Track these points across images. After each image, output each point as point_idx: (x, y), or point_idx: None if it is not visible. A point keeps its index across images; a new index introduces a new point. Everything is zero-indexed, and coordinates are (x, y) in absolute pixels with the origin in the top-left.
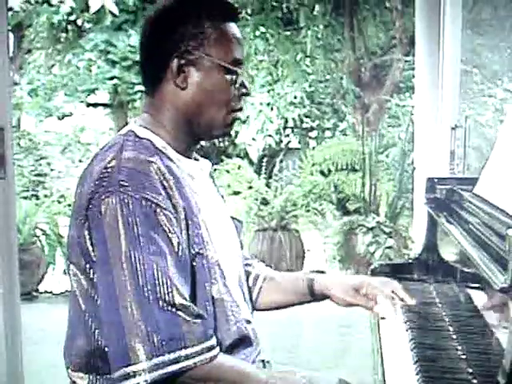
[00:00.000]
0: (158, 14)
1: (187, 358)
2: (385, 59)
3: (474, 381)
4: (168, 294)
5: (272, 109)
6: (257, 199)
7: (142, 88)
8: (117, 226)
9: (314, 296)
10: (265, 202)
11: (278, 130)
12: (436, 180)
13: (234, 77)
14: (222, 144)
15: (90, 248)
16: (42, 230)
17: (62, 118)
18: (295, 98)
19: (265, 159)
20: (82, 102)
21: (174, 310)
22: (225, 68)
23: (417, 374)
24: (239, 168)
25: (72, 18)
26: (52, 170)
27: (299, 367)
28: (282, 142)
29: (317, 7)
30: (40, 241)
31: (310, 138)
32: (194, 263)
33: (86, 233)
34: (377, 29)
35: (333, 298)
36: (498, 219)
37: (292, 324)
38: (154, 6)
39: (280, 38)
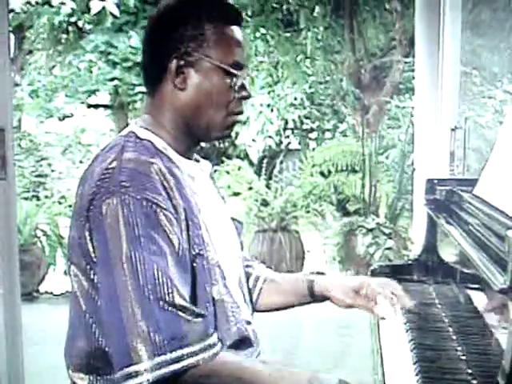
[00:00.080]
0: (160, 14)
1: (189, 356)
2: (385, 61)
3: (474, 381)
4: (168, 294)
5: (272, 110)
6: (257, 200)
7: (142, 89)
8: (118, 226)
9: (314, 297)
10: (265, 203)
11: (278, 131)
12: (436, 181)
13: (234, 79)
14: (222, 145)
15: (91, 249)
16: (42, 230)
17: (63, 119)
18: (295, 99)
19: (265, 160)
20: (82, 103)
21: (174, 310)
22: (224, 70)
23: (416, 375)
24: (239, 169)
25: (73, 19)
26: (53, 170)
27: (299, 368)
28: (282, 143)
29: (317, 9)
30: (41, 241)
31: (310, 139)
32: (195, 264)
33: (87, 233)
34: (377, 30)
35: (333, 299)
36: (498, 220)
37: (292, 325)
38: (157, 6)
39: (280, 39)
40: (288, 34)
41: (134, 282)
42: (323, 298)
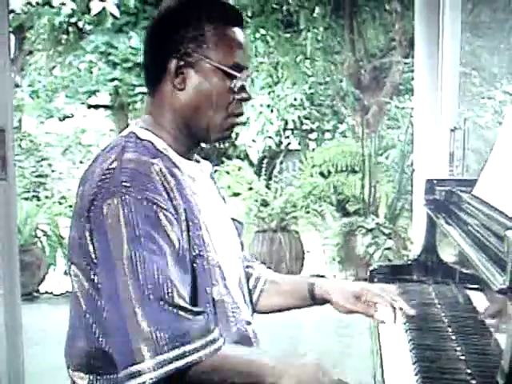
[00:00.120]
0: (160, 15)
1: (192, 352)
2: (384, 61)
3: (473, 381)
4: (168, 294)
5: (272, 111)
6: (257, 200)
7: (142, 90)
8: (118, 226)
9: (315, 300)
10: (265, 204)
11: (278, 132)
12: (435, 181)
13: (234, 81)
14: (222, 145)
15: (92, 249)
16: (42, 230)
17: (63, 119)
18: (295, 99)
19: (265, 161)
20: (82, 103)
21: (174, 309)
22: (224, 72)
23: (416, 375)
24: (239, 169)
25: (73, 20)
26: (53, 171)
27: None
28: (281, 143)
29: (317, 9)
30: (41, 242)
31: (310, 139)
32: (195, 265)
33: (88, 234)
34: (376, 31)
35: (333, 304)
36: (497, 220)
37: (292, 325)
38: (157, 7)
39: (280, 40)
40: (288, 35)
41: (135, 281)
42: (323, 301)
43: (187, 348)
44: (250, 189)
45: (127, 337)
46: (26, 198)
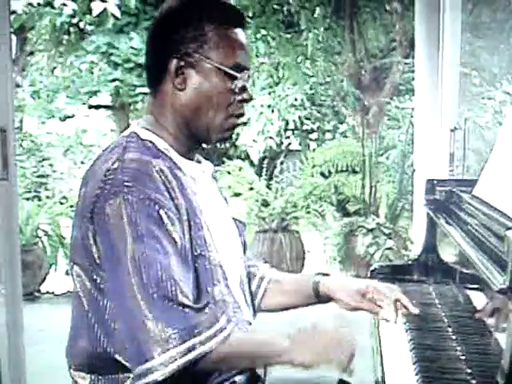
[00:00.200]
0: (161, 15)
1: (202, 343)
2: (385, 62)
3: (473, 381)
4: (171, 292)
5: (273, 111)
6: (257, 200)
7: (143, 90)
8: (122, 225)
9: (319, 298)
10: (265, 204)
11: (278, 132)
12: (435, 182)
13: (235, 81)
14: (223, 146)
15: (95, 249)
16: (44, 231)
17: (64, 119)
18: (296, 100)
19: (265, 161)
20: (84, 103)
21: (179, 307)
22: (225, 72)
23: (416, 375)
24: (240, 169)
25: (74, 20)
26: (54, 171)
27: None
28: (282, 143)
29: (317, 10)
30: (42, 242)
31: (311, 139)
32: (196, 264)
33: (91, 234)
34: (377, 31)
35: (338, 302)
36: (497, 221)
37: (292, 325)
38: (158, 7)
39: (281, 40)
40: (289, 35)
41: (139, 280)
42: (328, 299)
43: (197, 340)
44: (251, 189)
45: (135, 336)
46: (28, 198)
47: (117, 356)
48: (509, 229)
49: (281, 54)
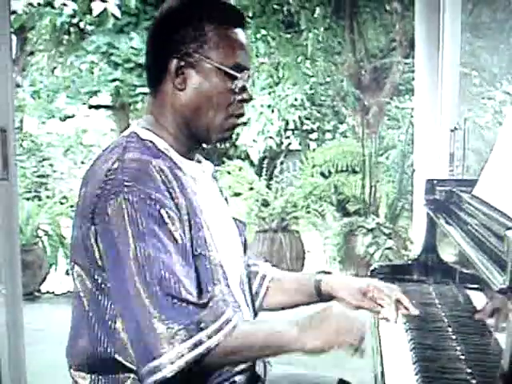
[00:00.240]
0: (162, 15)
1: (209, 337)
2: (385, 62)
3: (473, 381)
4: (175, 289)
5: (273, 111)
6: (257, 200)
7: (143, 90)
8: (123, 225)
9: (321, 297)
10: (265, 204)
11: (278, 132)
12: (435, 182)
13: (235, 81)
14: (223, 145)
15: (96, 249)
16: (44, 230)
17: (65, 119)
18: (296, 100)
19: (265, 161)
20: (84, 103)
21: (183, 304)
22: (225, 72)
23: (416, 374)
24: (240, 169)
25: (75, 20)
26: (54, 171)
27: (299, 366)
28: (282, 143)
29: (317, 10)
30: (42, 242)
31: (311, 139)
32: (197, 264)
33: (92, 234)
34: (377, 31)
35: (340, 300)
36: (497, 220)
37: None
38: (158, 7)
39: (281, 40)
40: (289, 36)
41: (142, 279)
42: (330, 298)
43: (203, 334)
44: (251, 189)
45: (142, 334)
46: (28, 198)
47: (117, 356)
48: (509, 229)
49: (281, 54)
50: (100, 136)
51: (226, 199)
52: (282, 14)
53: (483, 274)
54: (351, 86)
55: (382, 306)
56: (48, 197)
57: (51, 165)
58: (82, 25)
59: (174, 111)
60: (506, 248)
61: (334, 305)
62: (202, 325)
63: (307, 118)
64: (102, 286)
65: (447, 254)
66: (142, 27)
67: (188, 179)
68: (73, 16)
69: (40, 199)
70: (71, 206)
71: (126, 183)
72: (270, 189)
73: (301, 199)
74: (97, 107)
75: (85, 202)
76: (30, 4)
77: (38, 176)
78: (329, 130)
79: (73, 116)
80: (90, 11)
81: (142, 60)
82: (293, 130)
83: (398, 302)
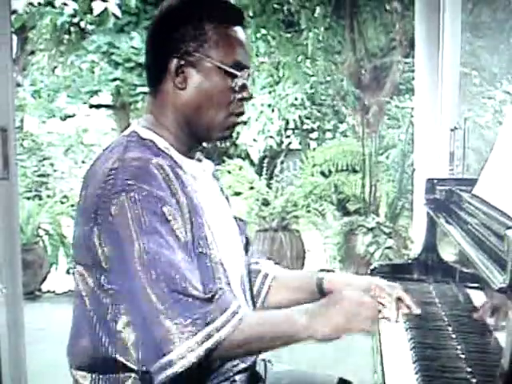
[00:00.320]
0: (161, 14)
1: (218, 330)
2: (385, 61)
3: (473, 380)
4: (181, 285)
5: (273, 110)
6: (258, 200)
7: (143, 89)
8: (127, 223)
9: (323, 294)
10: (266, 203)
11: (278, 131)
12: (435, 181)
13: (235, 80)
14: (223, 145)
15: (100, 249)
16: (44, 230)
17: (65, 119)
18: (296, 99)
19: (266, 160)
20: (84, 103)
21: (190, 299)
22: (225, 71)
23: (416, 373)
24: (240, 169)
25: (75, 20)
26: (55, 170)
27: (299, 366)
28: (282, 143)
29: (318, 9)
30: (43, 241)
31: (311, 139)
32: (198, 263)
33: (95, 234)
34: (377, 31)
35: None
36: (497, 220)
37: None
38: (159, 6)
39: (281, 39)
40: (289, 35)
41: (148, 276)
42: None
43: (212, 327)
44: (251, 188)
45: (151, 331)
46: (28, 198)
47: (118, 356)
48: (509, 228)
49: (281, 54)
50: (100, 135)
51: (226, 198)
52: (282, 13)
53: (483, 274)
54: (351, 85)
55: (383, 305)
56: (49, 196)
57: (52, 164)
58: (82, 24)
59: (175, 110)
60: (506, 247)
61: (344, 290)
62: (210, 318)
63: (307, 118)
64: (104, 285)
65: (447, 254)
66: (142, 26)
67: (188, 178)
68: (73, 15)
69: (41, 198)
70: (72, 206)
71: (127, 182)
72: (270, 188)
73: (301, 198)
74: (97, 106)
75: (87, 202)
76: (31, 3)
77: (39, 175)
78: (329, 130)
79: (73, 115)
80: (90, 11)
81: (142, 59)
82: (293, 129)
83: (399, 300)
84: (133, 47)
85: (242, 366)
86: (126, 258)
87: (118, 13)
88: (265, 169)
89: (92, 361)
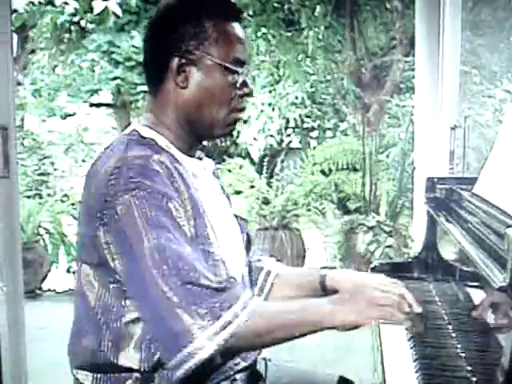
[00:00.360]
0: (160, 13)
1: (236, 316)
2: (385, 60)
3: (473, 378)
4: (193, 277)
5: (273, 109)
6: (258, 198)
7: (144, 88)
8: (134, 221)
9: (326, 291)
10: (266, 202)
11: (279, 130)
12: (436, 179)
13: (236, 76)
14: (223, 143)
15: (106, 249)
16: (45, 228)
17: (65, 117)
18: (296, 98)
19: (266, 159)
20: (85, 102)
21: (203, 289)
22: (225, 68)
23: (416, 372)
24: (241, 167)
25: (76, 19)
26: (55, 169)
27: (300, 365)
28: (283, 141)
29: (318, 8)
30: (43, 239)
31: (311, 137)
32: None
33: (101, 233)
34: (377, 30)
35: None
36: (497, 218)
37: None
38: (157, 6)
39: (281, 38)
40: (289, 34)
41: (161, 271)
42: (334, 293)
43: (230, 313)
44: (252, 187)
45: (168, 325)
46: (29, 196)
47: (120, 355)
48: (509, 226)
49: (281, 52)
50: (101, 134)
51: (227, 197)
52: (282, 12)
53: (483, 272)
54: (352, 84)
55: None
56: (49, 195)
57: (52, 163)
58: (82, 23)
59: (176, 109)
60: (506, 246)
61: (369, 276)
62: (226, 304)
63: (308, 116)
64: (110, 284)
65: (447, 252)
66: (142, 25)
67: (189, 176)
68: (74, 14)
69: (41, 197)
70: (72, 204)
71: (131, 180)
72: (270, 187)
73: (301, 197)
74: (98, 105)
75: (90, 202)
76: (31, 2)
77: (39, 174)
78: (329, 128)
79: (74, 114)
80: (90, 10)
81: (142, 58)
82: (293, 128)
83: (403, 298)
84: (133, 46)
85: (243, 364)
86: (136, 255)
87: (119, 12)
88: (265, 167)
89: (93, 360)
